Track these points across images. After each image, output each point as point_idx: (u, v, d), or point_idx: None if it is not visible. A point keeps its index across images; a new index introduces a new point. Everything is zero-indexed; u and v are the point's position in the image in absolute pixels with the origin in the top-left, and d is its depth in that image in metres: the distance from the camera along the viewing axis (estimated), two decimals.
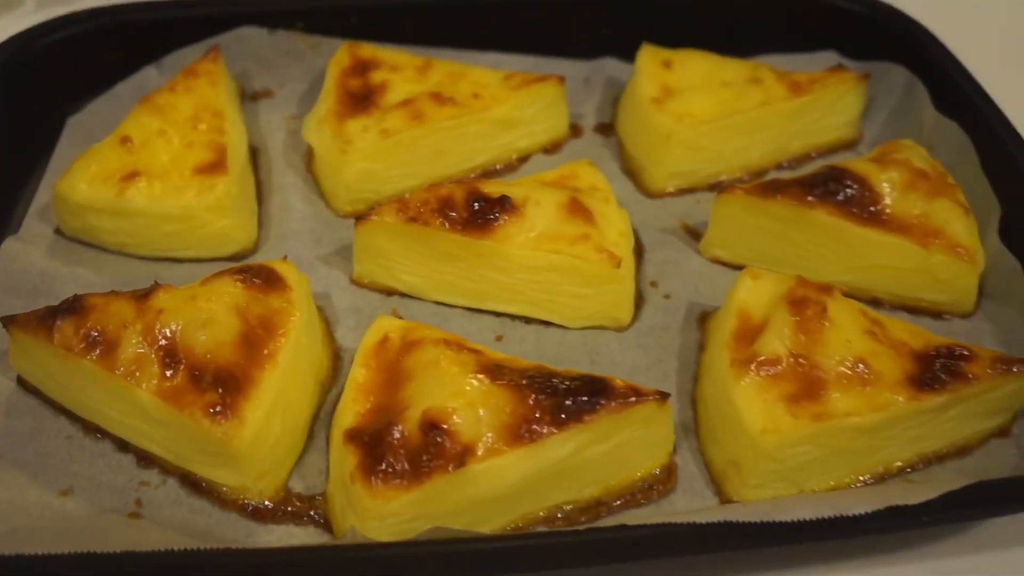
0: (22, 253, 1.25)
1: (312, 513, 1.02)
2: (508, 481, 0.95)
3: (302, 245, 1.30)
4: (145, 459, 1.05)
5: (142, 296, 1.06)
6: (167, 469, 1.05)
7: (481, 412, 0.96)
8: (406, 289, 1.24)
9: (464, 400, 0.97)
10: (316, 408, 1.11)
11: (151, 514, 1.01)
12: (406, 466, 0.93)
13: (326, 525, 1.01)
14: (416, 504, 0.93)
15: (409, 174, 1.36)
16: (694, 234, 1.32)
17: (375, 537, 0.92)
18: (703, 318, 1.22)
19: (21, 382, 1.11)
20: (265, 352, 1.04)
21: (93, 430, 1.07)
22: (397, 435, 0.95)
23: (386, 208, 1.20)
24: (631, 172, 1.41)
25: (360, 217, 1.21)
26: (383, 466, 0.93)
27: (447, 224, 1.17)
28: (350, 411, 1.01)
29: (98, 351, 1.01)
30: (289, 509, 1.02)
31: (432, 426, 0.95)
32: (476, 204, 1.18)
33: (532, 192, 1.20)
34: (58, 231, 1.29)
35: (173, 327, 1.02)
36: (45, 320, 1.04)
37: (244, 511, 1.01)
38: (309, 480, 1.05)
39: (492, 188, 1.21)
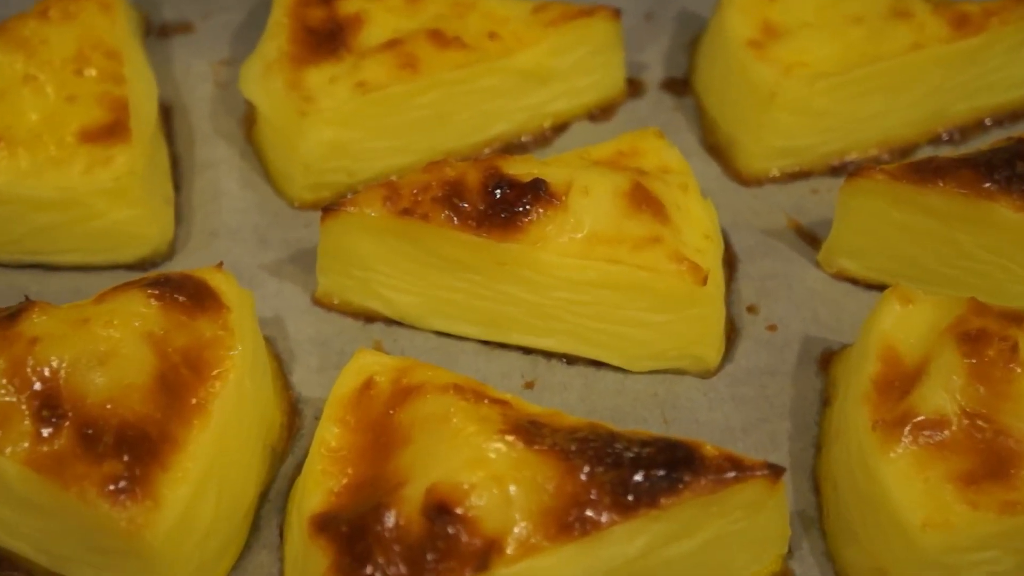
0: None
1: None
2: None
3: (241, 248, 1.29)
4: (4, 562, 1.03)
5: (6, 319, 1.04)
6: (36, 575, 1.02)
7: (512, 490, 0.94)
8: (393, 313, 1.23)
9: (487, 473, 0.95)
10: (265, 485, 1.10)
11: None
12: (403, 570, 0.91)
13: None
14: None
15: (397, 147, 1.35)
16: (810, 238, 1.31)
17: None
18: (826, 359, 1.20)
19: None
20: (193, 402, 1.02)
21: None
22: (390, 523, 0.93)
23: (367, 195, 1.19)
24: (716, 148, 1.40)
25: (328, 208, 1.20)
26: (369, 569, 0.91)
27: (456, 219, 1.16)
28: (319, 488, 0.99)
29: None
30: None
31: (441, 510, 0.93)
32: (498, 191, 1.16)
33: (578, 175, 1.18)
34: None
35: (54, 364, 1.00)
36: None
37: None
38: None
39: (520, 168, 1.19)
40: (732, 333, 1.22)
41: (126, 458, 0.97)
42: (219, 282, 1.11)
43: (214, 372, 1.04)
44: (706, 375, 1.20)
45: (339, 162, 1.33)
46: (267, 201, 1.35)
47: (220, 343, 1.06)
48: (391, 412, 1.03)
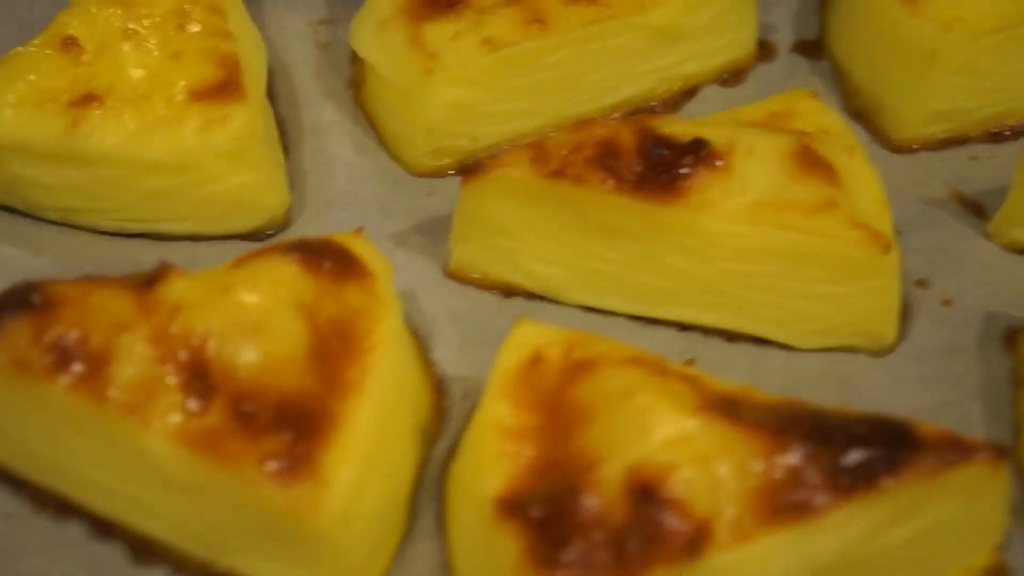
0: None
1: None
2: None
3: (361, 218, 1.23)
4: (146, 551, 0.97)
5: (144, 284, 0.98)
6: (186, 566, 0.97)
7: (720, 470, 0.89)
8: (536, 286, 1.18)
9: (691, 452, 0.89)
10: (419, 470, 1.04)
11: None
12: (607, 555, 0.86)
13: None
14: None
15: (522, 111, 1.29)
16: (975, 208, 1.26)
17: None
18: (1011, 336, 1.15)
19: None
20: (348, 376, 0.96)
21: (52, 503, 0.99)
22: (589, 507, 0.87)
23: (512, 156, 1.13)
24: (862, 113, 1.35)
25: (470, 171, 1.14)
26: (571, 555, 0.85)
27: (612, 182, 1.10)
28: (498, 470, 0.93)
29: (77, 370, 0.93)
30: None
31: (646, 492, 0.87)
32: (656, 152, 1.11)
33: (740, 135, 1.13)
34: None
35: (201, 333, 0.95)
36: None
37: None
38: None
39: (676, 128, 1.14)
40: (904, 309, 1.17)
41: (287, 435, 0.91)
42: (361, 248, 1.06)
43: (366, 344, 0.99)
44: (881, 353, 1.14)
45: (463, 126, 1.27)
46: (385, 168, 1.29)
47: (369, 313, 1.01)
48: (566, 388, 0.97)
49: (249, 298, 0.97)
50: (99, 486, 0.96)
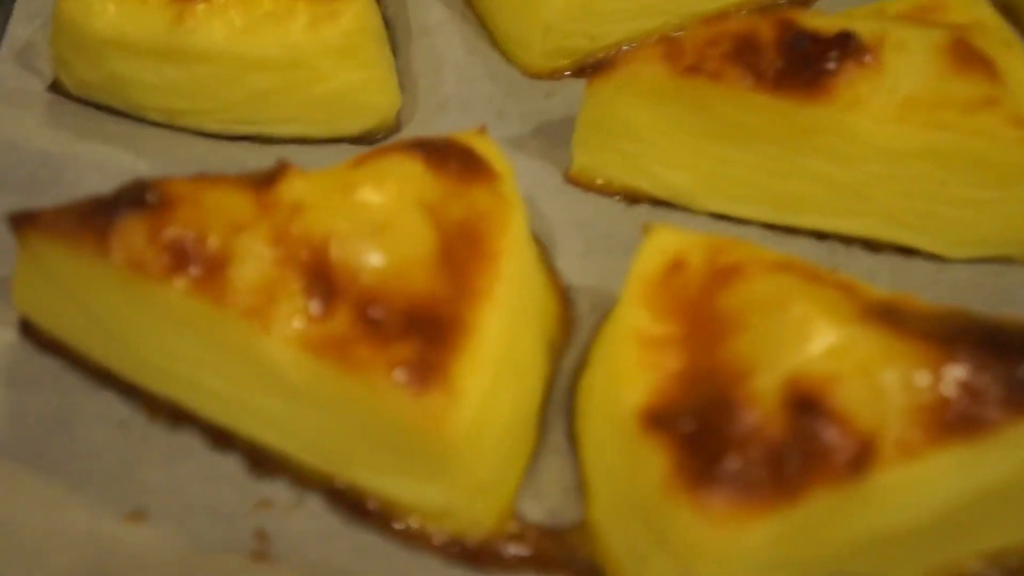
0: (1, 120, 1.15)
1: (566, 557, 0.89)
2: (932, 504, 0.82)
3: (475, 122, 1.15)
4: (266, 462, 0.93)
5: (262, 183, 0.93)
6: (306, 479, 0.92)
7: (885, 382, 0.83)
8: (663, 192, 1.12)
9: (854, 362, 0.84)
10: (547, 383, 0.99)
11: (284, 554, 0.89)
12: (764, 472, 0.80)
13: (592, 575, 0.88)
14: (783, 539, 0.80)
15: (642, 8, 1.22)
16: None
17: None
18: None
19: (30, 331, 1.00)
20: (477, 281, 0.91)
21: (167, 411, 0.96)
22: (745, 420, 0.82)
23: (643, 53, 1.07)
24: (1012, 7, 1.27)
25: (597, 70, 1.08)
26: (727, 471, 0.80)
27: (751, 78, 1.04)
28: (640, 381, 0.87)
29: (194, 272, 0.89)
30: (525, 550, 0.89)
31: (807, 404, 0.82)
32: (799, 46, 1.04)
33: (889, 29, 1.06)
34: (56, 87, 1.19)
35: (323, 234, 0.90)
36: (92, 218, 0.92)
37: (449, 552, 0.89)
38: (549, 501, 0.93)
39: (820, 21, 1.07)
40: None
41: (416, 342, 0.86)
42: (485, 148, 1.00)
43: (494, 248, 0.93)
44: None
45: (582, 24, 1.21)
46: (498, 69, 1.23)
47: (495, 216, 0.95)
48: (711, 295, 0.91)
49: (373, 197, 0.92)
50: (216, 394, 0.92)
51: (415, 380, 0.85)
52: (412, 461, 0.88)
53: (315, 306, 0.88)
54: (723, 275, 0.92)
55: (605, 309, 1.03)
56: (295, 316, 0.87)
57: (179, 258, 0.89)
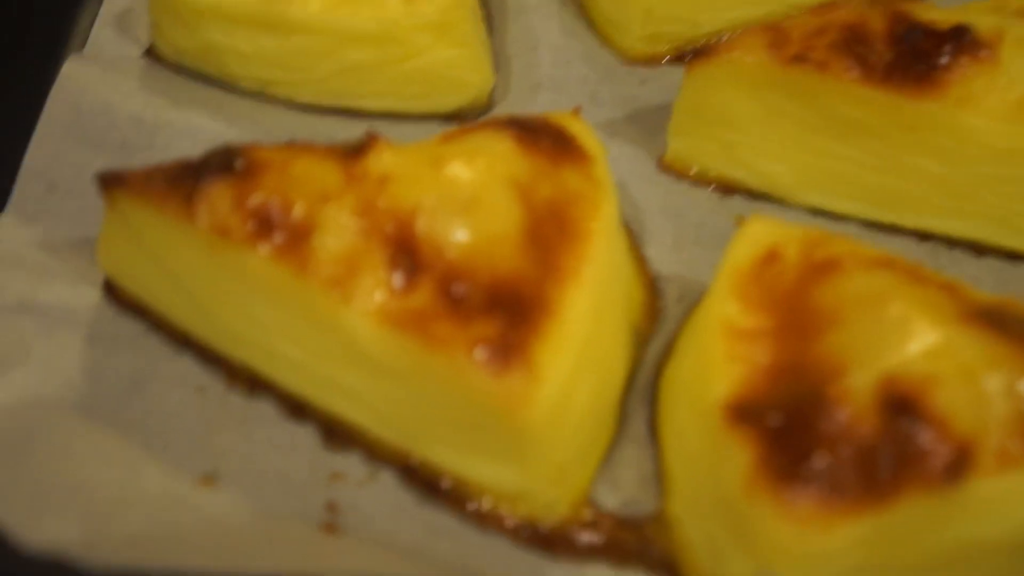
0: (98, 83, 1.15)
1: (640, 548, 0.87)
2: None
3: (569, 104, 1.15)
4: (341, 434, 0.93)
5: (350, 154, 0.93)
6: (380, 454, 0.92)
7: (988, 387, 0.80)
8: (760, 184, 1.09)
9: (953, 365, 0.81)
10: (630, 371, 0.97)
11: (354, 527, 0.88)
12: (853, 473, 0.78)
13: (664, 569, 0.86)
14: (869, 543, 0.78)
15: None
16: None
17: None
18: None
19: (114, 292, 1.00)
20: (564, 262, 0.89)
21: (244, 378, 0.95)
22: (835, 417, 0.79)
23: (747, 40, 1.04)
24: None
25: (698, 55, 1.06)
26: (814, 469, 0.78)
27: (859, 70, 1.01)
28: (727, 373, 0.85)
29: (278, 239, 0.88)
30: (598, 538, 0.88)
31: (903, 406, 0.79)
32: (911, 38, 1.01)
33: (1009, 25, 1.02)
34: (152, 52, 1.19)
35: (410, 208, 0.89)
36: (179, 182, 0.92)
37: (521, 535, 0.88)
38: (625, 491, 0.91)
39: (934, 14, 1.04)
40: None
41: (500, 320, 0.85)
42: (578, 129, 0.99)
43: (583, 230, 0.92)
44: None
45: (683, 10, 1.18)
46: (594, 53, 1.22)
47: (586, 198, 0.94)
48: (806, 289, 0.89)
49: (462, 173, 0.91)
50: (294, 363, 0.92)
51: (496, 359, 0.83)
52: (489, 441, 0.87)
53: (398, 279, 0.87)
54: (820, 269, 0.90)
55: (693, 300, 1.01)
56: (377, 289, 0.86)
57: (264, 225, 0.89)
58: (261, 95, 1.16)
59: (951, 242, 1.06)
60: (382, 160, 0.92)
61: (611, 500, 0.90)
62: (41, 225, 1.04)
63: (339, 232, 0.88)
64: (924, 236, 1.06)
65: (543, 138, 0.95)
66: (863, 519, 0.77)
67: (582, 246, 0.91)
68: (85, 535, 0.83)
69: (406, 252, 0.88)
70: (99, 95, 1.14)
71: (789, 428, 0.80)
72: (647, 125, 1.15)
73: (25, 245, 1.02)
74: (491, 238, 0.88)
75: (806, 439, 0.79)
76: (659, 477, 0.91)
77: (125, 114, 1.13)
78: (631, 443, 0.94)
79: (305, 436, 0.93)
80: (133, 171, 0.94)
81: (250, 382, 0.95)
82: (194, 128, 1.13)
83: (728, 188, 1.10)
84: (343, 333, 0.87)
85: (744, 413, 0.82)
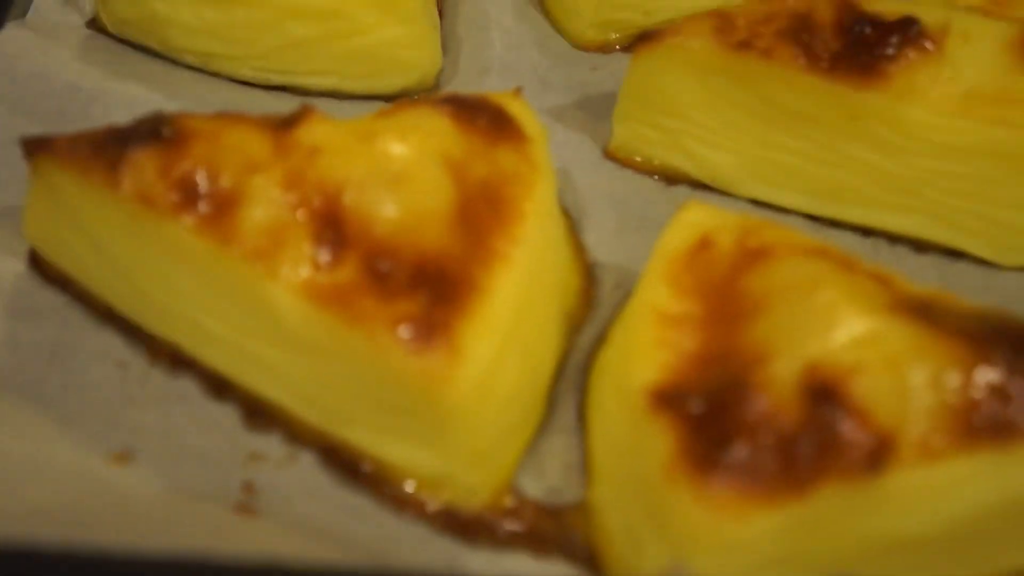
0: (35, 51, 1.14)
1: (560, 536, 0.86)
2: (951, 512, 0.78)
3: (518, 83, 1.15)
4: (262, 414, 0.91)
5: (282, 125, 0.91)
6: (301, 434, 0.90)
7: (911, 378, 0.79)
8: (703, 174, 1.09)
9: (878, 355, 0.80)
10: (561, 358, 0.96)
11: (271, 510, 0.86)
12: (774, 461, 0.77)
13: (584, 558, 0.85)
14: (787, 533, 0.77)
15: None
16: None
17: None
18: None
19: (38, 263, 0.99)
20: (494, 243, 0.88)
21: (167, 355, 0.94)
22: (757, 405, 0.78)
23: (693, 25, 1.04)
24: None
25: (644, 39, 1.05)
26: (733, 457, 0.77)
27: (804, 59, 1.00)
28: (652, 359, 0.84)
29: (203, 210, 0.87)
30: (519, 526, 0.86)
31: (825, 393, 0.78)
32: (858, 28, 1.00)
33: (955, 18, 1.02)
34: (94, 24, 1.18)
35: (338, 181, 0.88)
36: (105, 149, 0.90)
37: (441, 521, 0.86)
38: (549, 479, 0.90)
39: (882, 5, 1.03)
40: None
41: (424, 298, 0.84)
42: (518, 110, 0.98)
43: (516, 212, 0.91)
44: None
45: None
46: (546, 38, 1.21)
47: (522, 179, 0.93)
48: (737, 276, 0.88)
49: (394, 148, 0.90)
50: (216, 339, 0.91)
51: (418, 338, 0.82)
52: (410, 422, 0.85)
53: (323, 254, 0.86)
54: (752, 256, 0.89)
55: (630, 287, 1.00)
56: (302, 263, 0.85)
57: (188, 195, 0.88)
58: (203, 70, 1.15)
59: (893, 238, 1.05)
60: (313, 132, 0.90)
61: (534, 488, 0.89)
62: None
63: (265, 204, 0.87)
64: (867, 232, 1.06)
65: (480, 116, 0.94)
66: (782, 509, 0.76)
67: (514, 227, 0.90)
68: None
69: (332, 226, 0.86)
70: (35, 63, 1.12)
71: (710, 415, 0.79)
72: (595, 112, 1.14)
73: None
74: (419, 215, 0.87)
75: (726, 426, 0.78)
76: (584, 465, 0.90)
77: (61, 83, 1.12)
78: (558, 431, 0.93)
79: (226, 415, 0.92)
80: (59, 137, 0.92)
81: (172, 358, 0.94)
82: (132, 99, 1.12)
83: (672, 177, 1.10)
84: (266, 308, 0.86)
85: (666, 399, 0.81)
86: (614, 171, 1.10)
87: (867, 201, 1.04)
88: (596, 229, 1.06)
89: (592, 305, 1.00)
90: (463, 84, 1.16)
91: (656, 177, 1.10)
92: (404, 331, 0.82)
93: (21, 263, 0.99)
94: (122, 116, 1.08)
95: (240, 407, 0.92)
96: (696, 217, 0.93)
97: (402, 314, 0.83)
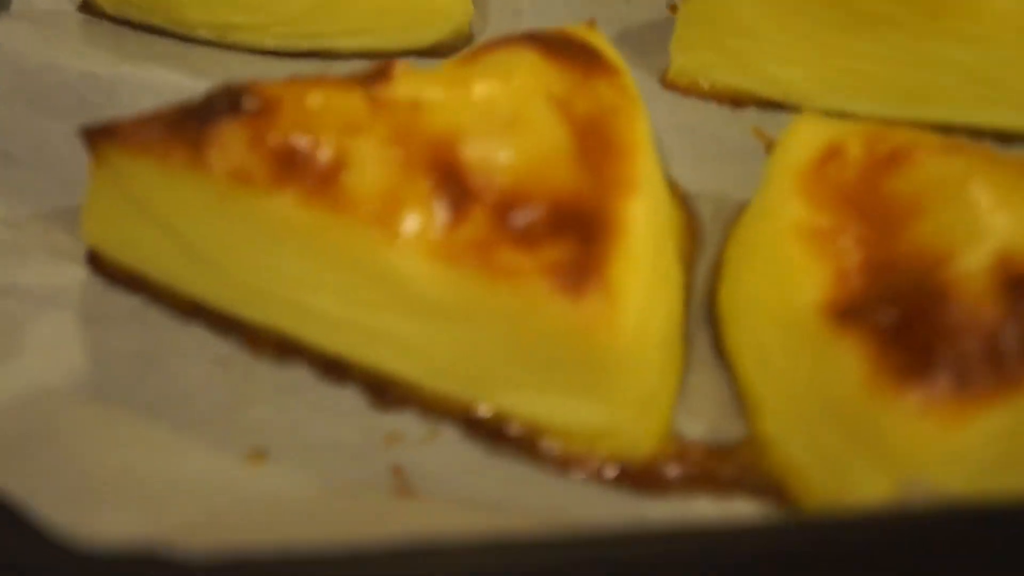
0: (37, 43, 1.05)
1: (737, 475, 0.82)
2: None
3: (556, 23, 1.09)
4: (390, 393, 0.85)
5: (368, 82, 0.85)
6: (438, 408, 0.84)
7: None
8: (775, 92, 1.06)
9: None
10: (686, 293, 0.92)
11: (427, 489, 0.80)
12: (982, 362, 0.74)
13: (768, 493, 0.81)
14: (1007, 432, 0.74)
15: None
16: None
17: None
18: None
19: (100, 266, 0.90)
20: (618, 178, 0.84)
21: (270, 344, 0.87)
22: (956, 305, 0.75)
23: None
24: None
25: None
26: (940, 362, 0.74)
27: None
28: (812, 277, 0.81)
29: (307, 179, 0.80)
30: (692, 470, 0.82)
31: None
32: None
33: None
34: (88, 8, 1.09)
35: (449, 133, 0.82)
36: (182, 128, 0.83)
37: (610, 477, 0.81)
38: (706, 419, 0.85)
39: None
40: None
41: (568, 242, 0.79)
42: (599, 42, 0.93)
43: (627, 143, 0.87)
44: None
45: None
46: None
47: (623, 111, 0.89)
48: (877, 182, 0.85)
49: (498, 91, 0.85)
50: (329, 319, 0.84)
51: (572, 284, 0.77)
52: (567, 377, 0.80)
53: (447, 210, 0.80)
54: (887, 161, 0.86)
55: (729, 216, 0.96)
56: (426, 222, 0.79)
57: (288, 165, 0.81)
58: (219, 44, 1.07)
59: (976, 133, 1.03)
60: (407, 85, 0.84)
61: (693, 430, 0.85)
62: (2, 201, 0.93)
63: (375, 165, 0.81)
64: (947, 129, 1.03)
65: (570, 51, 0.90)
66: (1000, 407, 0.73)
67: (630, 160, 0.85)
68: (152, 525, 0.74)
69: (452, 180, 0.81)
70: (41, 54, 1.04)
71: (904, 324, 0.76)
72: (639, 45, 1.10)
73: None
74: (541, 157, 0.82)
75: (926, 332, 0.75)
76: (740, 400, 0.86)
77: (75, 72, 1.03)
78: (699, 370, 0.88)
79: (348, 399, 0.85)
80: (123, 123, 0.84)
81: (277, 347, 0.87)
82: (155, 82, 1.04)
83: (739, 100, 1.06)
84: (389, 276, 0.80)
85: (850, 315, 0.77)
86: (676, 101, 1.06)
87: (948, 98, 1.02)
88: (674, 161, 1.01)
89: (697, 238, 0.96)
90: (499, 30, 1.10)
91: (721, 103, 1.06)
92: (554, 279, 0.77)
93: (80, 268, 0.90)
94: (149, 100, 1.01)
95: (363, 388, 0.85)
96: (812, 130, 0.90)
97: (549, 262, 0.78)
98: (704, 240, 0.96)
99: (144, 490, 0.77)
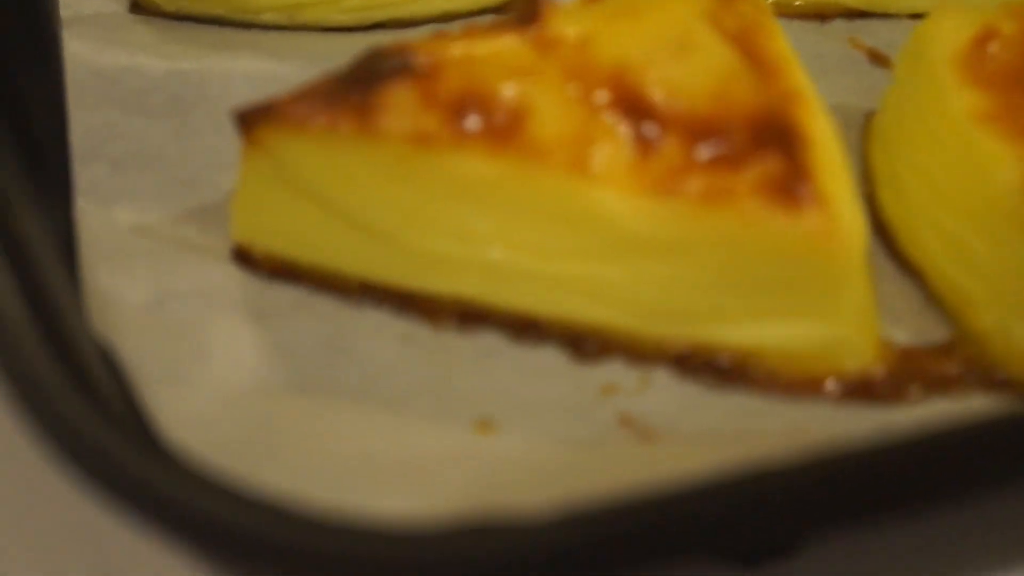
0: (111, 46, 1.00)
1: (964, 371, 0.82)
2: None
3: None
4: (589, 344, 0.82)
5: (521, 23, 0.82)
6: (643, 352, 0.82)
7: None
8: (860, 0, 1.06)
9: None
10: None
11: (662, 432, 0.78)
12: None
13: (1004, 386, 0.81)
14: None
15: None
16: None
17: None
18: None
19: (250, 262, 0.86)
20: (791, 89, 0.83)
21: (452, 314, 0.84)
22: None
23: None
24: None
25: None
26: None
27: None
28: (1006, 161, 0.81)
29: (492, 131, 0.78)
30: (920, 374, 0.81)
31: None
32: None
33: None
34: (139, 8, 1.03)
35: (626, 65, 0.80)
36: (346, 97, 0.79)
37: (842, 392, 0.80)
38: (908, 322, 0.85)
39: None
40: None
41: (772, 158, 0.78)
42: None
43: (780, 55, 0.86)
44: None
45: None
46: None
47: (765, 26, 0.88)
48: None
49: (662, 18, 0.83)
50: (522, 277, 0.81)
51: (787, 199, 0.77)
52: (789, 297, 0.79)
53: (641, 143, 0.78)
54: None
55: (860, 125, 0.96)
56: (622, 158, 0.77)
57: (469, 120, 0.78)
58: (286, 27, 1.03)
59: None
60: (567, 23, 0.82)
61: (901, 335, 0.84)
62: (123, 208, 0.88)
63: (557, 108, 0.79)
64: None
65: None
66: None
67: (789, 72, 0.84)
68: (431, 501, 0.70)
69: (639, 112, 0.79)
70: (117, 58, 0.98)
71: None
72: None
73: (118, 234, 0.86)
74: (718, 76, 0.81)
75: None
76: (938, 302, 0.86)
77: (158, 71, 0.98)
78: (882, 278, 0.88)
79: (548, 358, 0.82)
80: (278, 101, 0.80)
81: (461, 316, 0.83)
82: (243, 71, 0.99)
83: (825, 13, 1.06)
84: (591, 220, 0.78)
85: None
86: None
87: None
88: None
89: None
90: None
91: (806, 19, 1.06)
92: (769, 196, 0.76)
93: (230, 267, 0.85)
94: (244, 90, 0.97)
95: (562, 345, 0.82)
96: (954, 18, 0.90)
97: (759, 179, 0.77)
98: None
99: (399, 470, 0.73)
